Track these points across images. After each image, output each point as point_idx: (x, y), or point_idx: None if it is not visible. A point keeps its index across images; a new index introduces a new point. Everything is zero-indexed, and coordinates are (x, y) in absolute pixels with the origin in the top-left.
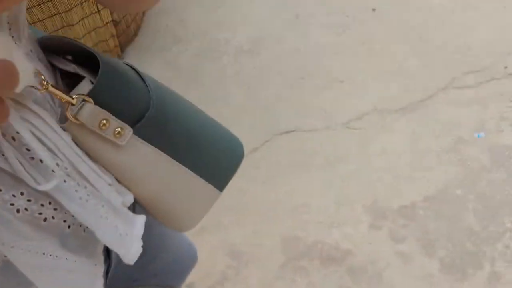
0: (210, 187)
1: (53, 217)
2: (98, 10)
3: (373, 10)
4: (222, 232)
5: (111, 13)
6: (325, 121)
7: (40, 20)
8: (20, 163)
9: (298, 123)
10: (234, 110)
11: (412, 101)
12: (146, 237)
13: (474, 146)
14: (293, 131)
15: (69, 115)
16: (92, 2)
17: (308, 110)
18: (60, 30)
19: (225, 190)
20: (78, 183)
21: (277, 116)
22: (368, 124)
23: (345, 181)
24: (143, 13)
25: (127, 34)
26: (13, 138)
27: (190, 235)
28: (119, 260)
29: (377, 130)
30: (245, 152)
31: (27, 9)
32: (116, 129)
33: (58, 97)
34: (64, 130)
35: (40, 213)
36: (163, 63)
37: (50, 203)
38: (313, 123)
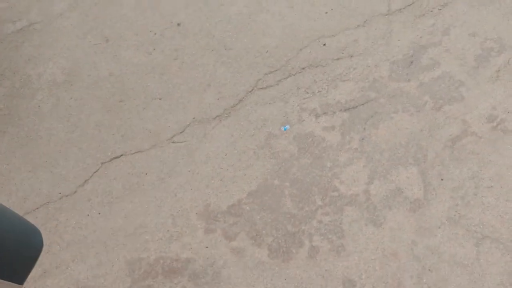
0: (9, 284)
1: None
2: None
3: (178, 24)
4: (66, 271)
5: None
6: (150, 140)
7: None
8: None
9: (125, 146)
10: (58, 145)
11: (227, 107)
12: None
13: (283, 138)
14: (121, 155)
15: None
16: None
17: (133, 132)
18: None
19: (62, 227)
20: None
21: (103, 144)
22: (191, 136)
23: (178, 193)
24: None
25: None
26: None
27: (32, 282)
28: None
29: (199, 139)
30: (76, 186)
31: None
32: None
33: None
34: None
35: None
36: None
37: None
38: (139, 144)
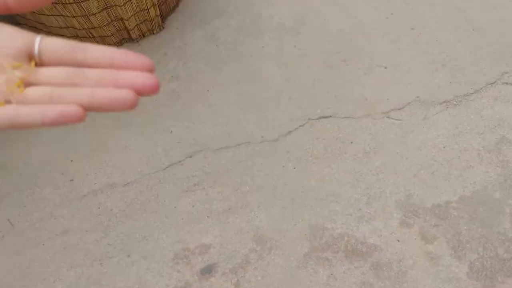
0: None
1: None
2: None
3: None
4: (249, 214)
5: None
6: (364, 108)
7: None
8: None
9: (336, 108)
10: (271, 89)
11: (458, 94)
12: None
13: None
14: (330, 116)
15: None
16: None
17: (348, 96)
18: None
19: (256, 171)
20: None
21: (314, 100)
22: (409, 116)
23: (380, 173)
24: None
25: (168, 3)
26: None
27: (216, 214)
28: None
29: (418, 122)
30: (279, 135)
31: None
32: None
33: None
34: None
35: None
36: (203, 36)
37: None
38: (352, 110)
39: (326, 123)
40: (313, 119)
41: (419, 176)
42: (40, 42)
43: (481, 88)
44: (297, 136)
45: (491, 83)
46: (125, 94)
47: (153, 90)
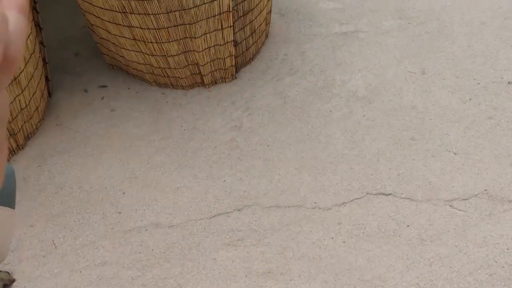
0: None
1: None
2: (222, 28)
3: (509, 83)
4: (289, 282)
5: (234, 33)
6: (427, 192)
7: (165, 28)
8: None
9: (397, 187)
10: (331, 155)
11: None
12: None
13: None
14: (390, 194)
15: None
16: (218, 19)
17: (411, 176)
18: (182, 40)
19: (302, 238)
20: None
21: (375, 174)
22: (474, 208)
23: (433, 264)
24: (265, 37)
25: (245, 56)
26: None
27: (255, 275)
28: None
29: (482, 217)
30: (332, 204)
31: (154, 15)
32: None
33: None
34: None
35: None
36: (273, 92)
37: None
38: (413, 192)
39: (384, 201)
40: (371, 194)
41: (476, 276)
42: None
43: None
44: (352, 208)
45: None
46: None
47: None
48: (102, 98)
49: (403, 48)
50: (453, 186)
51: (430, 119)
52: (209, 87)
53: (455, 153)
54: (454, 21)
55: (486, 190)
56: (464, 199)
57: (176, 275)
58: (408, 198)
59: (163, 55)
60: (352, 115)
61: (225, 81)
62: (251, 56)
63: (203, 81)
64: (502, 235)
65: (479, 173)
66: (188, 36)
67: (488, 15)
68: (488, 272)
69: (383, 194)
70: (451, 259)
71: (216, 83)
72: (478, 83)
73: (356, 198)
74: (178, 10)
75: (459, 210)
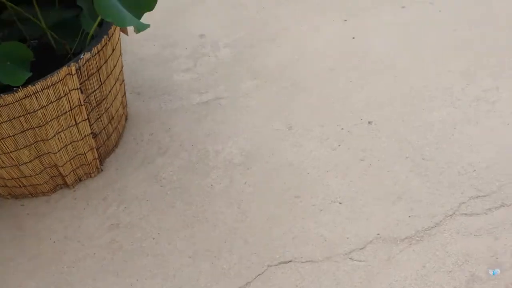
0: None
1: None
2: (76, 123)
3: (369, 123)
4: None
5: (91, 125)
6: (324, 250)
7: (10, 136)
8: None
9: (295, 252)
10: (224, 233)
11: (419, 229)
12: None
13: (490, 285)
14: (290, 261)
15: None
16: (70, 115)
17: (306, 237)
18: (33, 145)
19: None
20: None
21: (271, 243)
22: (373, 256)
23: None
24: (125, 120)
25: (107, 145)
26: None
27: None
28: None
29: (383, 262)
30: (236, 286)
31: None
32: None
33: None
34: None
35: None
36: (146, 177)
37: None
38: (312, 252)
39: (286, 270)
40: (272, 266)
41: None
42: None
43: (441, 221)
44: (257, 287)
45: (450, 215)
46: None
47: None
48: None
49: (265, 107)
50: (347, 238)
51: (308, 173)
52: (73, 187)
53: (340, 203)
54: (306, 73)
55: (378, 234)
56: (361, 249)
57: None
58: (309, 261)
59: (14, 165)
60: (233, 184)
61: (91, 176)
62: (114, 144)
63: (65, 182)
64: (405, 277)
65: (367, 218)
66: (39, 139)
67: (333, 61)
68: None
69: (284, 262)
70: None
71: (80, 180)
72: (342, 128)
73: (258, 275)
74: (23, 115)
75: (359, 261)
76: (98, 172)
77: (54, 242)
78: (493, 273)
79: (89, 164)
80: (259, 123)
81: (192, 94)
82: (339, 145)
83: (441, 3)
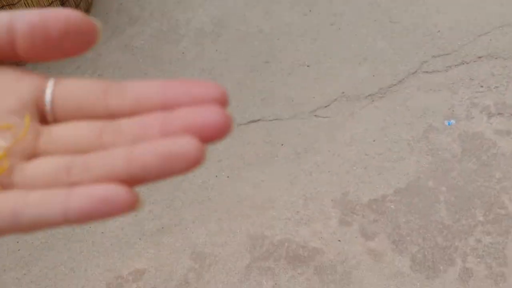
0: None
1: None
2: None
3: None
4: (185, 231)
5: None
6: (291, 109)
7: None
8: None
9: (263, 111)
10: None
11: (382, 87)
12: None
13: (445, 134)
14: (259, 120)
15: None
16: None
17: (274, 98)
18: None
19: (187, 184)
20: None
21: (242, 104)
22: (336, 112)
23: (313, 173)
24: None
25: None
26: None
27: (149, 235)
28: None
29: (345, 118)
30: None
31: None
32: None
33: None
34: None
35: None
36: (118, 46)
37: None
38: (279, 112)
39: (255, 128)
40: (242, 124)
41: (353, 172)
42: (54, 88)
43: (404, 79)
44: (227, 143)
45: (412, 73)
46: (181, 144)
47: (224, 129)
48: None
49: None
50: (313, 97)
51: (278, 39)
52: None
53: (308, 66)
54: None
55: (343, 92)
56: (325, 106)
57: (65, 260)
58: (276, 119)
59: None
60: (204, 52)
61: None
62: (84, 12)
63: None
64: (366, 129)
65: (333, 79)
66: (5, 4)
67: None
68: (363, 166)
69: (253, 121)
70: (327, 164)
71: None
72: None
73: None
74: None
75: (324, 117)
76: None
77: None
78: (448, 124)
79: None
80: None
81: None
82: (310, 10)
83: None
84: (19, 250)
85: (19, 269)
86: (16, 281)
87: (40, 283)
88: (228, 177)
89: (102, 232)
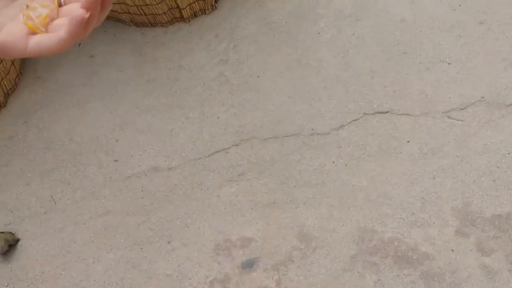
0: None
1: None
2: None
3: None
4: (295, 210)
5: None
6: (424, 106)
7: None
8: None
9: (393, 104)
10: (324, 79)
11: None
12: None
13: None
14: (387, 112)
15: None
16: None
17: (407, 91)
18: None
19: (304, 165)
20: None
21: (371, 93)
22: (472, 117)
23: (437, 177)
24: None
25: None
26: None
27: (260, 207)
28: None
29: (481, 124)
30: (330, 128)
31: None
32: None
33: None
34: None
35: None
36: (257, 19)
37: None
38: (410, 107)
39: (382, 119)
40: (368, 114)
41: (480, 183)
42: None
43: None
44: (350, 131)
45: None
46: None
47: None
48: (79, 45)
49: None
50: (449, 97)
51: (420, 31)
52: (189, 21)
53: (448, 63)
54: None
55: (483, 97)
56: (461, 109)
57: (181, 215)
58: (406, 114)
59: None
60: (341, 35)
61: (205, 13)
62: None
63: (182, 15)
64: (502, 140)
65: (474, 81)
66: None
67: None
68: (491, 178)
69: (381, 112)
70: (453, 170)
71: (196, 16)
72: None
73: (353, 120)
74: None
75: (458, 120)
76: (213, 10)
77: (170, 69)
78: None
79: (204, 0)
80: None
81: None
82: (460, 5)
83: None
84: (142, 198)
85: (140, 216)
86: (136, 225)
87: (157, 231)
88: (346, 165)
89: (218, 196)
